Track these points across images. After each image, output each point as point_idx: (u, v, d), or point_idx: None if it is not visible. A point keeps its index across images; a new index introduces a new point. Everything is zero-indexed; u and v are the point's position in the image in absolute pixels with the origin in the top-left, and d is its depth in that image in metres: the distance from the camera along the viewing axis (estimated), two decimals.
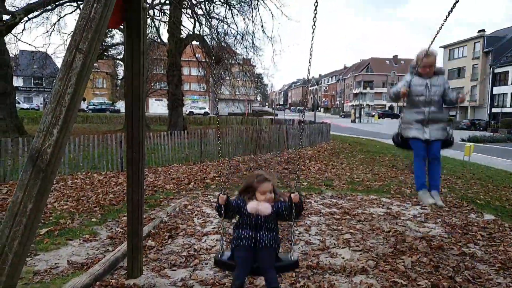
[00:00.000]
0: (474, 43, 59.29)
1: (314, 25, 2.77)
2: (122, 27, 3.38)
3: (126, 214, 6.30)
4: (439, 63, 4.71)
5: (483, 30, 59.44)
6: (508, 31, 59.08)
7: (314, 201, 7.71)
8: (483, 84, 55.40)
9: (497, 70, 55.69)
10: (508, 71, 53.67)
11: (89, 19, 2.31)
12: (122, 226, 5.92)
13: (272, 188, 3.27)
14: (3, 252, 2.11)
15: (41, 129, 2.24)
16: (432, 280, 4.13)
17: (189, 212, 6.75)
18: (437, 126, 4.48)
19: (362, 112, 63.01)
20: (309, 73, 3.21)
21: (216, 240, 5.29)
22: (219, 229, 5.81)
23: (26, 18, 18.46)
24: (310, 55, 3.01)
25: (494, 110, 54.82)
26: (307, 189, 8.83)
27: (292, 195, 3.11)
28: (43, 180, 2.19)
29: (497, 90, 55.53)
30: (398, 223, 6.34)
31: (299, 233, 5.67)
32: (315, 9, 2.71)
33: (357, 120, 59.91)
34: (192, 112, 61.31)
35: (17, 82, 63.56)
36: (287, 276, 4.15)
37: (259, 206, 3.17)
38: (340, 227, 5.98)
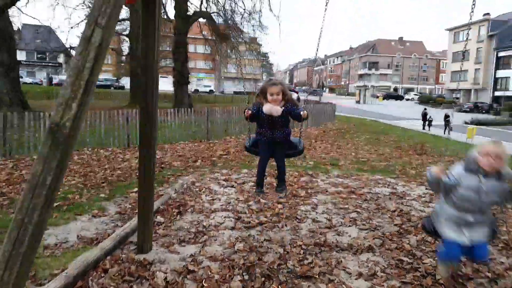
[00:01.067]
0: (479, 26, 58.52)
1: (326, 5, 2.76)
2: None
3: (134, 190, 6.43)
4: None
5: (488, 14, 58.52)
6: None
7: (321, 180, 7.76)
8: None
9: (500, 54, 55.18)
10: (511, 55, 53.16)
11: None
12: (131, 202, 6.00)
13: (280, 91, 4.13)
14: (23, 224, 2.16)
15: (60, 103, 2.25)
16: (437, 258, 4.18)
17: (197, 189, 6.81)
18: (481, 228, 3.33)
19: (366, 93, 62.56)
20: (317, 52, 3.66)
21: (225, 217, 5.37)
22: (228, 205, 5.91)
23: None
24: (320, 35, 3.11)
25: (497, 93, 54.57)
26: (314, 168, 8.88)
27: (302, 113, 4.06)
28: (62, 153, 2.22)
29: (500, 73, 55.19)
30: (404, 203, 6.38)
31: (306, 211, 5.74)
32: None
33: (361, 100, 59.59)
34: (198, 90, 61.02)
35: (20, 56, 63.08)
36: (294, 254, 4.22)
37: (272, 108, 4.08)
38: (346, 206, 6.03)
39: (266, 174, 5.46)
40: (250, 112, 4.19)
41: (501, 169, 3.11)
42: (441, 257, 3.61)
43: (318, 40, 4.45)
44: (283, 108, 4.14)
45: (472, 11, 3.62)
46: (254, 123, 4.46)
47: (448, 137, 20.17)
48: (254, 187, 4.97)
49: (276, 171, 4.74)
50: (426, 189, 7.44)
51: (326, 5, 2.58)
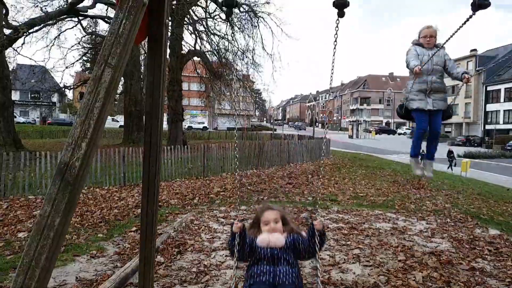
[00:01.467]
0: (467, 61, 60.24)
1: (335, 41, 2.79)
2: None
3: (132, 229, 6.33)
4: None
5: (475, 50, 60.42)
6: (499, 51, 60.23)
7: (321, 216, 7.69)
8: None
9: (489, 88, 56.55)
10: (500, 89, 54.63)
11: (118, 34, 2.34)
12: (129, 241, 5.88)
13: (279, 218, 2.87)
14: (30, 267, 2.09)
15: (69, 143, 2.24)
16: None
17: (196, 228, 6.71)
18: (439, 96, 4.49)
19: (359, 128, 63.21)
20: (330, 83, 3.25)
21: (226, 256, 5.26)
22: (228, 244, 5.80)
23: (26, 32, 18.56)
24: (332, 69, 3.00)
25: (487, 126, 55.47)
26: (313, 204, 8.82)
27: (315, 221, 2.73)
28: (71, 194, 2.18)
29: (490, 107, 56.36)
30: (406, 238, 6.32)
31: None
32: (337, 26, 2.74)
33: (354, 135, 60.09)
34: (191, 126, 61.36)
35: (15, 95, 63.38)
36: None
37: (270, 236, 2.78)
38: (348, 242, 5.96)
39: None
40: (240, 225, 2.75)
41: (437, 44, 4.43)
42: (411, 152, 4.89)
43: (330, 78, 3.00)
44: (285, 236, 2.82)
45: None
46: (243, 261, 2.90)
47: (452, 173, 20.17)
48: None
49: None
50: (427, 223, 7.40)
51: (334, 48, 2.51)
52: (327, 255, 5.40)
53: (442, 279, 4.58)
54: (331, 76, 2.89)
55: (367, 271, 4.82)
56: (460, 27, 3.16)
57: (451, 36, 3.33)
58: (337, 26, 2.65)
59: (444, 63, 4.54)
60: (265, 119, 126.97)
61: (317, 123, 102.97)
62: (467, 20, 2.99)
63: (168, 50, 21.31)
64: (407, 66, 4.48)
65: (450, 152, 24.70)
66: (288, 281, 2.62)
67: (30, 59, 26.09)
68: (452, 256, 5.47)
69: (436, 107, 4.46)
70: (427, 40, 4.47)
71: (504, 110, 53.56)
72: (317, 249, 2.70)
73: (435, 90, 4.49)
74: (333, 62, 2.81)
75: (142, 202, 3.83)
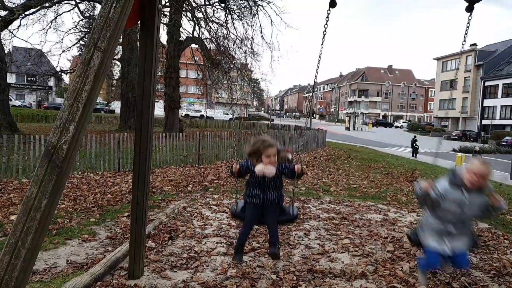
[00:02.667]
0: (466, 56, 60.17)
1: (325, 31, 2.80)
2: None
3: (124, 215, 6.36)
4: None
5: (475, 44, 60.32)
6: (498, 46, 60.13)
7: (313, 206, 7.75)
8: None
9: (487, 83, 56.58)
10: (498, 84, 54.60)
11: (108, 18, 2.33)
12: (121, 226, 5.91)
13: (276, 152, 3.77)
14: (16, 247, 2.12)
15: (57, 125, 2.25)
16: (429, 286, 4.17)
17: (189, 214, 6.75)
18: (462, 238, 3.63)
19: (356, 120, 63.25)
20: (315, 79, 3.41)
21: (217, 242, 5.32)
22: (220, 231, 5.86)
23: (22, 15, 18.39)
24: (318, 61, 3.03)
25: (484, 122, 55.60)
26: (306, 194, 8.87)
27: (296, 167, 3.79)
28: (58, 176, 2.20)
29: (487, 102, 56.42)
30: (395, 229, 6.38)
31: (299, 237, 5.70)
32: (327, 17, 2.74)
33: (351, 127, 60.15)
34: (188, 114, 61.21)
35: (10, 78, 62.77)
36: (287, 280, 4.17)
37: (265, 169, 3.72)
38: (339, 232, 6.01)
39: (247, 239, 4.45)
40: (238, 167, 3.77)
41: (483, 186, 3.43)
42: (421, 266, 3.99)
43: (316, 71, 3.82)
44: (277, 166, 3.80)
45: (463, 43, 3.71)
46: (241, 179, 4.04)
47: (437, 165, 20.36)
48: (232, 252, 4.42)
49: (268, 234, 4.12)
50: (417, 215, 7.47)
51: (323, 38, 2.56)
52: (317, 244, 5.46)
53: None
54: (317, 68, 2.92)
55: (356, 261, 4.88)
56: (466, 33, 3.19)
57: (463, 46, 3.35)
58: (327, 16, 2.66)
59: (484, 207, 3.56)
60: (262, 109, 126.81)
61: (314, 114, 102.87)
62: (468, 24, 3.03)
63: (166, 37, 21.19)
64: (416, 192, 3.71)
65: (414, 140, 25.03)
66: (272, 203, 3.86)
67: (26, 41, 25.82)
68: None
69: (459, 250, 3.65)
70: (475, 182, 3.39)
71: (501, 106, 53.66)
72: (296, 178, 3.89)
73: (459, 235, 3.65)
74: (320, 50, 2.83)
75: (132, 187, 3.87)
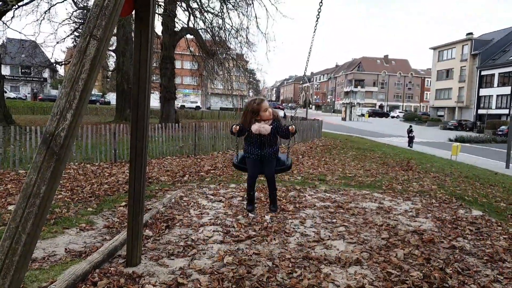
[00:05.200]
0: (463, 45, 60.12)
1: (317, 20, 2.81)
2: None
3: (122, 204, 6.40)
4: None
5: (471, 33, 60.21)
6: (495, 35, 60.03)
7: (309, 195, 7.81)
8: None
9: (483, 73, 56.63)
10: (494, 73, 54.65)
11: (103, 6, 2.35)
12: (119, 216, 5.96)
13: (268, 106, 4.16)
14: (17, 232, 2.16)
15: (54, 113, 2.28)
16: (423, 271, 4.25)
17: (185, 204, 6.80)
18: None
19: (352, 111, 63.23)
20: (305, 70, 3.52)
21: (213, 231, 5.38)
22: (216, 220, 5.92)
23: (16, 6, 18.21)
24: (309, 52, 3.08)
25: (480, 111, 55.77)
26: (302, 183, 8.93)
27: (290, 127, 4.05)
28: (56, 163, 2.24)
29: (483, 92, 56.51)
30: (390, 217, 6.46)
31: (295, 225, 5.77)
32: (319, 8, 2.76)
33: (347, 118, 60.22)
34: (184, 106, 61.06)
35: (4, 70, 62.19)
36: (283, 267, 4.24)
37: (261, 127, 4.06)
38: (334, 220, 6.09)
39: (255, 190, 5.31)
40: (238, 127, 4.09)
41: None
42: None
43: (307, 60, 4.16)
44: (271, 126, 4.13)
45: None
46: (241, 138, 4.46)
47: (433, 154, 20.52)
48: (245, 203, 5.00)
49: (268, 188, 4.57)
50: (412, 204, 7.55)
51: (315, 26, 2.55)
52: (313, 231, 5.53)
53: (423, 256, 4.72)
54: (308, 58, 2.94)
55: (351, 248, 4.95)
56: None
57: None
58: (319, 8, 2.67)
59: None
60: None
61: (310, 105, 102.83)
62: None
63: (161, 27, 21.07)
64: None
65: (410, 131, 25.20)
66: (268, 158, 4.24)
67: (20, 33, 25.60)
68: (434, 235, 5.62)
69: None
70: None
71: (497, 95, 53.76)
72: (289, 137, 4.15)
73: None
74: (312, 38, 2.84)
75: (129, 177, 3.91)
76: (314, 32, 2.72)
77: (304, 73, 4.11)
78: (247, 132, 4.18)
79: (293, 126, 4.07)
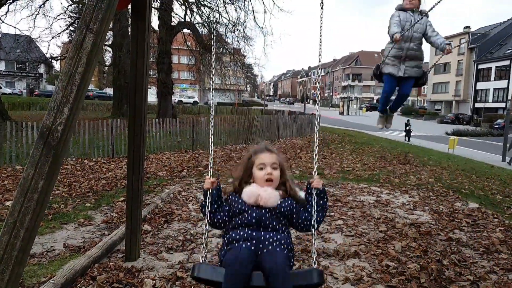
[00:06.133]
0: (460, 39, 60.12)
1: (321, 14, 2.68)
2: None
3: (120, 200, 6.40)
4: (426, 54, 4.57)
5: (468, 27, 60.19)
6: (492, 29, 60.00)
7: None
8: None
9: (480, 66, 56.69)
10: (491, 67, 54.73)
11: None
12: (117, 211, 5.96)
13: (278, 165, 2.27)
14: (15, 227, 2.16)
15: (51, 107, 2.27)
16: (421, 263, 4.27)
17: (184, 198, 6.81)
18: (413, 63, 4.36)
19: (350, 105, 63.24)
20: (319, 62, 3.05)
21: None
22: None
23: (10, 0, 18.08)
24: (320, 48, 2.77)
25: (477, 105, 55.90)
26: (299, 177, 8.95)
27: (312, 180, 2.25)
28: (54, 157, 2.23)
29: (480, 85, 56.62)
30: (388, 210, 6.49)
31: None
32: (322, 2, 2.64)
33: (345, 112, 60.24)
34: (181, 101, 60.89)
35: (0, 66, 61.90)
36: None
37: (261, 191, 2.17)
38: (332, 214, 6.11)
39: None
40: (215, 180, 2.34)
41: (422, 11, 4.24)
42: (379, 109, 4.98)
43: (319, 53, 2.67)
44: (280, 194, 2.24)
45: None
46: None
47: (430, 148, 20.59)
48: None
49: None
50: (410, 197, 7.58)
51: (321, 22, 2.44)
52: None
53: (420, 249, 4.75)
54: (320, 53, 2.76)
55: (349, 241, 4.98)
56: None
57: (437, 4, 3.38)
58: (322, 2, 2.61)
59: (425, 30, 4.33)
60: (256, 94, 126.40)
61: (308, 100, 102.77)
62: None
63: (158, 22, 20.95)
64: (388, 32, 4.31)
65: (407, 125, 25.25)
66: (275, 247, 2.05)
67: (15, 27, 25.35)
68: (431, 227, 5.65)
69: (408, 74, 4.37)
70: (412, 2, 4.28)
71: (494, 89, 53.88)
72: (313, 213, 2.18)
73: (411, 57, 4.36)
74: (320, 34, 2.71)
75: (127, 171, 3.91)
76: (321, 28, 2.64)
77: (309, 68, 3.93)
78: (234, 209, 2.24)
79: (318, 179, 2.26)
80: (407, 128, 25.54)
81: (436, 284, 3.82)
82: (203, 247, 2.32)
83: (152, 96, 28.38)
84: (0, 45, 24.36)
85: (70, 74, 2.28)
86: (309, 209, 2.21)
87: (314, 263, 2.13)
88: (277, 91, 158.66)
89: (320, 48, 2.73)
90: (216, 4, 19.66)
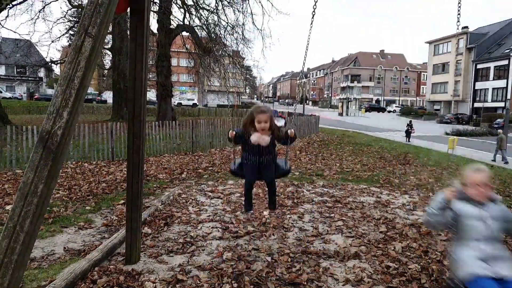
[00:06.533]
0: (458, 39, 60.16)
1: (313, 17, 2.80)
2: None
3: (120, 203, 6.40)
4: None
5: (466, 27, 60.25)
6: (490, 28, 60.11)
7: (307, 190, 7.83)
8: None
9: (479, 66, 56.74)
10: (489, 67, 54.75)
11: (98, 3, 2.34)
12: (117, 214, 5.96)
13: (268, 119, 3.93)
14: (15, 231, 2.16)
15: (51, 111, 2.28)
16: (421, 264, 4.27)
17: (184, 201, 6.81)
18: (505, 262, 2.82)
19: (349, 106, 63.24)
20: (303, 66, 3.54)
21: (212, 227, 5.39)
22: (215, 216, 5.92)
23: (10, 5, 18.12)
24: (306, 48, 3.07)
25: (476, 104, 55.90)
26: (299, 179, 8.95)
27: (289, 131, 4.02)
28: (53, 161, 2.23)
29: (479, 85, 56.65)
30: (388, 211, 6.49)
31: (293, 220, 5.79)
32: (315, 5, 2.74)
33: (344, 113, 60.25)
34: (181, 103, 60.94)
35: (0, 70, 61.99)
36: (282, 262, 4.25)
37: (260, 139, 3.93)
38: (332, 215, 6.11)
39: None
40: (234, 133, 4.04)
41: (492, 196, 2.92)
42: None
43: (304, 54, 4.25)
44: (270, 136, 4.01)
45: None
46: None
47: (430, 148, 20.60)
48: (243, 199, 4.91)
49: (267, 191, 4.54)
50: (410, 197, 7.58)
51: (311, 23, 2.52)
52: (311, 226, 5.55)
53: (421, 249, 4.75)
54: (305, 58, 2.89)
55: (349, 242, 4.97)
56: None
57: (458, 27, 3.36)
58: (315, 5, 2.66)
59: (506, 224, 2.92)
60: (255, 96, 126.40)
61: (307, 101, 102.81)
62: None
63: (157, 25, 20.99)
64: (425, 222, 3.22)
65: (409, 125, 25.20)
66: (267, 164, 4.13)
67: (15, 32, 25.40)
68: None
69: (504, 274, 2.77)
70: (480, 191, 2.88)
71: (493, 88, 53.90)
72: (288, 143, 4.09)
73: (498, 257, 2.88)
74: (308, 37, 2.81)
75: (127, 174, 3.91)
76: (310, 30, 2.69)
77: (302, 70, 4.05)
78: (245, 139, 4.06)
79: (292, 130, 4.04)
80: (408, 128, 25.54)
81: (437, 284, 3.82)
82: (233, 157, 4.65)
83: (152, 98, 28.41)
84: (0, 50, 24.41)
85: (69, 78, 2.29)
86: (285, 139, 4.08)
87: (286, 158, 4.48)
88: (276, 92, 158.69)
89: (305, 55, 3.60)
90: (214, 7, 19.70)
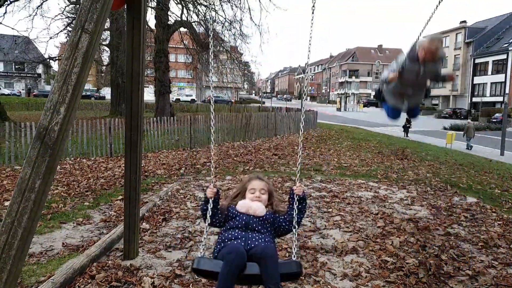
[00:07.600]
0: (456, 34, 60.10)
1: (312, 13, 2.77)
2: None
3: (118, 198, 6.41)
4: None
5: (464, 21, 60.17)
6: (489, 23, 60.02)
7: (304, 185, 7.85)
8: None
9: (477, 61, 56.70)
10: (488, 61, 54.73)
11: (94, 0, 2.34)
12: (115, 209, 5.97)
13: (267, 190, 2.70)
14: (13, 227, 2.17)
15: (48, 107, 2.28)
16: (419, 258, 4.30)
17: (182, 196, 6.82)
18: (416, 97, 4.27)
19: (347, 101, 63.27)
20: (307, 62, 3.01)
21: None
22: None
23: (8, 1, 18.03)
24: (309, 45, 2.91)
25: (474, 99, 55.95)
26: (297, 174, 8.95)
27: (295, 187, 2.62)
28: (51, 157, 2.24)
29: (477, 80, 56.65)
30: (386, 206, 6.52)
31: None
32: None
33: (342, 108, 60.26)
34: (179, 99, 60.81)
35: None
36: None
37: (251, 203, 2.58)
38: (330, 210, 6.13)
39: None
40: (216, 190, 2.62)
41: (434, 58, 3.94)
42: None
43: (308, 50, 2.96)
44: (266, 210, 2.61)
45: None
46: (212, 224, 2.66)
47: (428, 143, 20.64)
48: None
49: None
50: (407, 192, 7.61)
51: (312, 20, 2.47)
52: (308, 221, 5.56)
53: (418, 244, 4.77)
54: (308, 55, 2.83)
55: (347, 237, 5.00)
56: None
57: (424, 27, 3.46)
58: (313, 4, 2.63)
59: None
60: (253, 91, 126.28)
61: (305, 96, 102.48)
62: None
63: (154, 21, 20.92)
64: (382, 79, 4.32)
65: (408, 121, 25.19)
66: (260, 244, 2.35)
67: (13, 28, 25.28)
68: (429, 222, 5.68)
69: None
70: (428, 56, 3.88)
71: (491, 83, 53.93)
72: (295, 215, 2.52)
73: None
74: (310, 35, 2.77)
75: (125, 170, 3.92)
76: (311, 29, 2.66)
77: (306, 66, 3.71)
78: (229, 214, 2.59)
79: (300, 186, 2.65)
80: (406, 123, 25.54)
81: (434, 279, 3.84)
82: (203, 245, 2.62)
83: (149, 95, 28.39)
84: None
85: (66, 74, 2.29)
86: (290, 212, 2.58)
87: (294, 256, 2.49)
88: (274, 88, 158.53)
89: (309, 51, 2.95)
90: (212, 3, 19.62)
